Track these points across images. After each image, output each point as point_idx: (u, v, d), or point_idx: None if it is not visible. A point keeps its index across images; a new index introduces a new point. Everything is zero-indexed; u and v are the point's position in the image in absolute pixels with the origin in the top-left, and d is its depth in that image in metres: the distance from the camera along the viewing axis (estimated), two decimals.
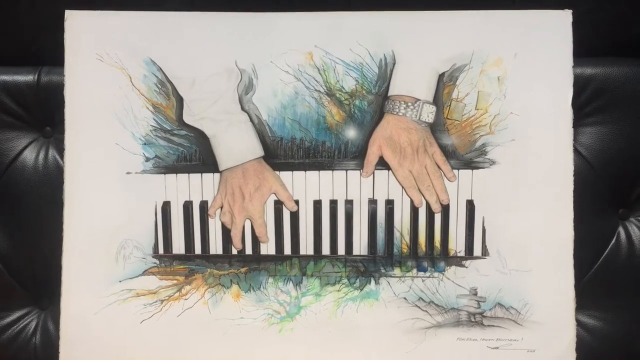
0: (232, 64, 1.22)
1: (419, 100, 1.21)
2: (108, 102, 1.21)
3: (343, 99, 1.25)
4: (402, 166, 1.25)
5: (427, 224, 1.25)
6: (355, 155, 1.28)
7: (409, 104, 1.21)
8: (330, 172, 1.26)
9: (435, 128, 1.27)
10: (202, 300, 1.24)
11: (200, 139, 1.25)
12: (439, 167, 1.26)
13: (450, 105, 1.26)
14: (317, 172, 1.27)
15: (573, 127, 1.22)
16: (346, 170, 1.26)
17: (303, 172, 1.27)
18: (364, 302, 1.25)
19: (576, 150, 1.30)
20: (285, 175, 1.27)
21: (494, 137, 1.27)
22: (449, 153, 1.28)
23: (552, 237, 1.22)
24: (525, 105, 1.23)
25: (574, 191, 1.23)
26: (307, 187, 1.26)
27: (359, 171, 1.27)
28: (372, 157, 1.25)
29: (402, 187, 1.27)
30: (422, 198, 1.25)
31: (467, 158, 1.27)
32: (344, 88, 1.26)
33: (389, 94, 1.24)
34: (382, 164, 1.27)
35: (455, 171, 1.27)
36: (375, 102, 1.27)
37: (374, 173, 1.26)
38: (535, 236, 1.23)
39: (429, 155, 1.25)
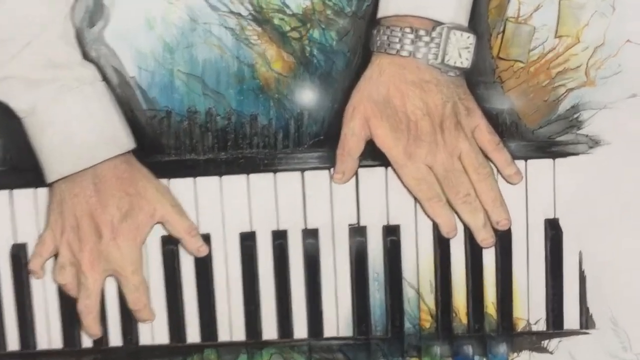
0: None
1: (441, 24, 0.75)
2: None
3: (287, 27, 0.82)
4: (413, 157, 0.77)
5: (467, 270, 0.81)
6: (317, 141, 0.82)
7: (420, 32, 0.75)
8: (271, 175, 0.82)
9: (477, 79, 0.81)
10: None
11: (6, 122, 0.79)
12: (486, 155, 0.79)
13: (504, 32, 0.81)
14: (243, 176, 0.82)
15: None
16: (301, 170, 0.82)
17: (216, 177, 0.82)
18: None
19: None
20: (180, 186, 0.82)
21: (595, 93, 0.82)
22: (506, 128, 0.82)
23: None
24: None
25: None
26: (225, 207, 0.82)
27: (327, 171, 0.81)
28: (351, 141, 0.79)
29: (415, 198, 0.80)
30: (455, 219, 0.79)
31: (542, 136, 0.82)
32: (289, 6, 0.82)
33: (380, 14, 0.78)
34: (373, 154, 0.80)
35: (521, 163, 0.81)
36: (352, 31, 0.82)
37: (357, 174, 0.81)
38: None
39: (464, 133, 0.78)
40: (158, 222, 0.81)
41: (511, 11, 0.82)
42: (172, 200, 0.81)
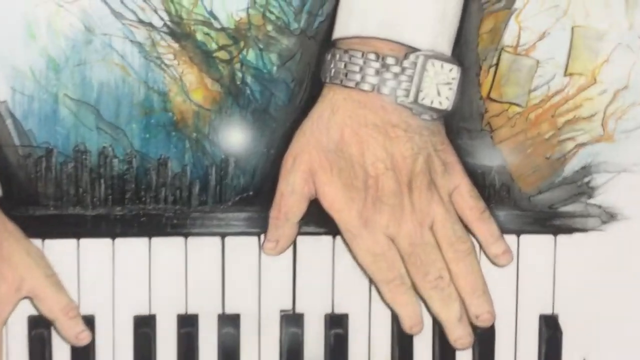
0: None
1: (416, 50, 0.73)
2: None
3: (214, 45, 0.78)
4: (371, 225, 0.74)
5: None
6: (245, 198, 0.79)
7: (388, 60, 0.73)
8: (181, 240, 0.76)
9: (459, 126, 0.79)
10: None
11: None
12: (467, 226, 0.76)
13: (499, 65, 0.79)
14: (144, 240, 0.76)
15: None
16: (222, 235, 0.76)
17: (108, 240, 0.76)
18: None
19: None
20: (59, 249, 0.76)
21: (613, 150, 0.79)
22: (494, 192, 0.79)
23: None
24: None
25: None
26: (117, 280, 0.75)
27: (256, 238, 0.77)
28: (290, 201, 0.75)
29: (371, 279, 0.76)
30: (422, 309, 0.76)
31: (541, 205, 0.79)
32: (217, 18, 0.77)
33: (337, 34, 0.75)
34: (318, 219, 0.77)
35: (512, 239, 0.77)
36: (299, 54, 0.79)
37: (295, 244, 0.77)
38: None
39: (439, 195, 0.75)
40: (25, 297, 0.74)
41: (508, 39, 0.77)
42: (47, 269, 0.75)
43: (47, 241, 0.74)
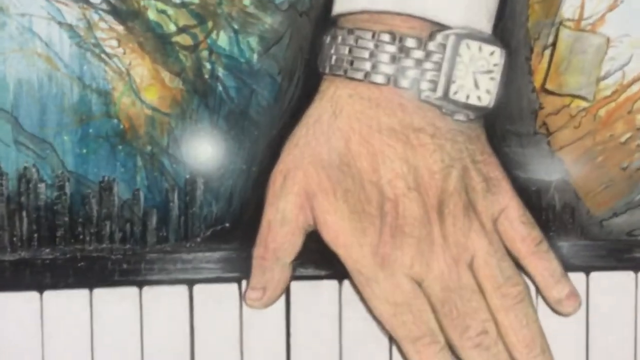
0: None
1: (446, 28, 0.64)
2: None
3: (172, 26, 0.67)
4: (390, 266, 0.64)
5: None
6: (220, 231, 0.69)
7: (409, 42, 0.64)
8: (134, 291, 0.66)
9: (506, 129, 0.71)
10: None
11: None
12: (518, 263, 0.66)
13: (556, 46, 0.69)
14: (83, 292, 0.65)
15: None
16: (189, 284, 0.67)
17: (34, 293, 0.66)
18: None
19: None
20: None
21: None
22: (554, 215, 0.70)
23: None
24: None
25: None
26: (46, 345, 0.66)
27: (235, 285, 0.67)
28: (280, 235, 0.67)
29: (391, 336, 0.66)
30: None
31: (617, 232, 0.70)
32: None
33: (338, 9, 0.65)
34: (319, 258, 0.68)
35: (580, 278, 0.67)
36: (287, 36, 0.69)
37: (288, 292, 0.67)
38: None
39: (480, 223, 0.65)
40: None
41: (568, 10, 0.67)
42: None
43: None
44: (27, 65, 0.65)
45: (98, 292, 0.63)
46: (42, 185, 0.65)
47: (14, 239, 0.65)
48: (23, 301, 0.64)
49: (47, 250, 0.64)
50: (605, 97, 0.67)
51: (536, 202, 0.66)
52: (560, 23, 0.66)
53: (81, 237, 0.65)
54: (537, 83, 0.67)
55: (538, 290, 0.65)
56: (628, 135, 0.67)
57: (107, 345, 0.64)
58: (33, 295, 0.63)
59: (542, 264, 0.65)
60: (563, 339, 0.67)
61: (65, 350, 0.64)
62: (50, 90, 0.65)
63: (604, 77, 0.67)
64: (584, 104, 0.67)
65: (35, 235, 0.64)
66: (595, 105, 0.67)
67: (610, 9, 0.67)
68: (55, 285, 0.63)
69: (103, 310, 0.64)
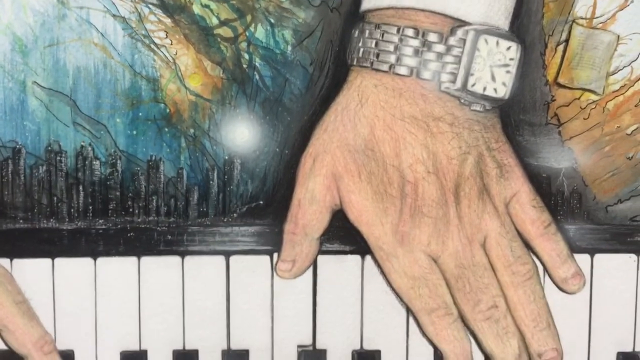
0: None
1: (465, 24, 0.67)
2: None
3: (214, 20, 0.70)
4: (408, 243, 0.67)
5: None
6: (254, 208, 0.73)
7: (431, 37, 0.67)
8: (177, 260, 0.69)
9: (519, 119, 0.74)
10: None
11: None
12: (527, 244, 0.69)
13: (569, 42, 0.71)
14: (132, 259, 0.68)
15: None
16: (226, 255, 0.69)
17: (89, 260, 0.68)
18: None
19: None
20: (31, 271, 0.69)
21: None
22: (563, 200, 0.73)
23: None
24: None
25: None
26: (99, 308, 0.68)
27: (267, 257, 0.70)
28: (308, 212, 0.70)
29: (408, 308, 0.69)
30: (471, 345, 0.70)
31: (621, 217, 0.72)
32: None
33: (366, 5, 0.68)
34: (344, 234, 0.72)
35: (585, 259, 0.69)
36: (319, 30, 0.72)
37: (315, 265, 0.70)
38: None
39: (493, 205, 0.68)
40: None
41: (581, 8, 0.69)
42: (16, 295, 0.69)
43: (16, 261, 0.68)
44: (84, 53, 0.69)
45: (145, 259, 0.68)
46: (96, 163, 0.69)
47: (72, 210, 0.69)
48: (79, 266, 0.69)
49: (101, 221, 0.69)
50: (613, 91, 0.69)
51: (546, 188, 0.69)
52: (573, 21, 0.69)
53: (131, 210, 0.69)
54: (550, 77, 0.70)
55: (546, 270, 0.67)
56: (634, 127, 0.70)
57: (152, 307, 0.69)
58: (88, 261, 0.68)
59: (550, 245, 0.67)
60: (568, 315, 0.69)
61: (115, 311, 0.69)
62: (105, 77, 0.69)
63: (613, 72, 0.69)
64: (593, 97, 0.69)
65: (90, 207, 0.69)
66: (604, 99, 0.70)
67: (621, 8, 0.69)
68: (107, 253, 0.68)
69: (149, 276, 0.69)
